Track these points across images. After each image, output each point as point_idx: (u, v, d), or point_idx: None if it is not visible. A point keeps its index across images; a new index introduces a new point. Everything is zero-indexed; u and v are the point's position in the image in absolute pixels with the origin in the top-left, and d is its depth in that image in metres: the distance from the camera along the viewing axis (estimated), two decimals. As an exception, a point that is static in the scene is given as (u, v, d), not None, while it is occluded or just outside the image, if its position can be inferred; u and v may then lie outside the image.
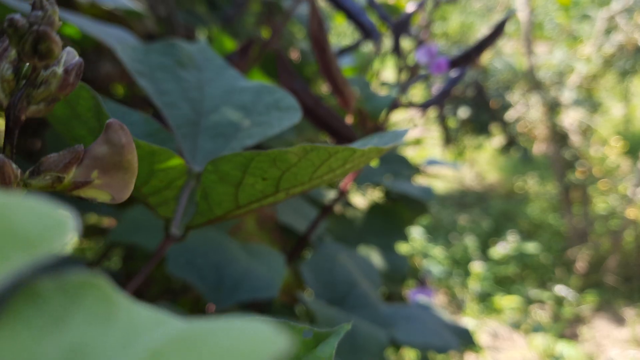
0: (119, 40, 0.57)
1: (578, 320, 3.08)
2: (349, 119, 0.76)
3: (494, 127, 4.08)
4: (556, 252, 3.71)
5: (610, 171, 3.48)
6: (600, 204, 3.67)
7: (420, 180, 1.46)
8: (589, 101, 3.50)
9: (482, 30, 4.67)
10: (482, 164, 5.71)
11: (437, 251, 3.49)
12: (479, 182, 5.36)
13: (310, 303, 0.59)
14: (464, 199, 4.88)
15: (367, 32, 0.59)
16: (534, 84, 3.51)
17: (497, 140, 4.41)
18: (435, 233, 3.98)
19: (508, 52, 4.44)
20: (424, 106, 0.68)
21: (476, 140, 4.64)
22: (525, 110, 3.69)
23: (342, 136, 0.70)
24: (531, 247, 3.49)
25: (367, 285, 0.76)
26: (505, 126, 3.75)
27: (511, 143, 3.98)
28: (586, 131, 3.53)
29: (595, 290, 3.29)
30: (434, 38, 4.82)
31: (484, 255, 3.60)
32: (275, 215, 0.79)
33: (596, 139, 3.60)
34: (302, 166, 0.29)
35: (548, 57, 3.75)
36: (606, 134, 3.61)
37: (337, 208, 1.05)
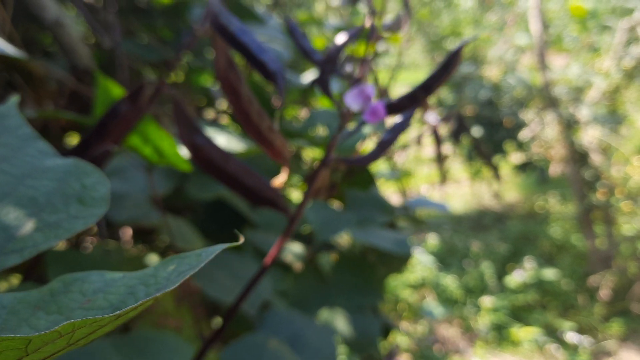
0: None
1: (603, 352, 2.88)
2: (283, 174, 0.62)
3: (509, 146, 3.91)
4: (578, 277, 3.49)
5: (634, 192, 3.27)
6: (625, 225, 3.45)
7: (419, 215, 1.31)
8: (610, 118, 3.30)
9: (499, 45, 4.50)
10: (500, 182, 5.49)
11: (449, 280, 3.30)
12: (497, 201, 5.15)
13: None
14: (482, 220, 4.68)
15: (269, 75, 0.46)
16: (550, 101, 3.34)
17: (515, 157, 4.22)
18: (449, 259, 3.79)
19: (522, 67, 4.26)
20: (361, 162, 0.55)
21: (493, 160, 4.44)
22: (541, 128, 3.50)
23: (261, 198, 0.56)
24: (550, 273, 3.29)
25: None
26: (520, 146, 3.58)
27: (527, 163, 3.80)
28: (607, 150, 3.33)
29: (620, 319, 3.07)
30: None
31: (500, 283, 3.40)
32: (199, 288, 0.66)
33: (618, 158, 3.39)
34: None
35: (564, 72, 3.57)
36: (628, 152, 3.40)
37: (297, 265, 0.91)
